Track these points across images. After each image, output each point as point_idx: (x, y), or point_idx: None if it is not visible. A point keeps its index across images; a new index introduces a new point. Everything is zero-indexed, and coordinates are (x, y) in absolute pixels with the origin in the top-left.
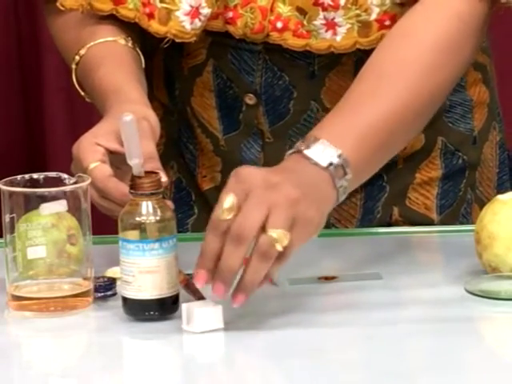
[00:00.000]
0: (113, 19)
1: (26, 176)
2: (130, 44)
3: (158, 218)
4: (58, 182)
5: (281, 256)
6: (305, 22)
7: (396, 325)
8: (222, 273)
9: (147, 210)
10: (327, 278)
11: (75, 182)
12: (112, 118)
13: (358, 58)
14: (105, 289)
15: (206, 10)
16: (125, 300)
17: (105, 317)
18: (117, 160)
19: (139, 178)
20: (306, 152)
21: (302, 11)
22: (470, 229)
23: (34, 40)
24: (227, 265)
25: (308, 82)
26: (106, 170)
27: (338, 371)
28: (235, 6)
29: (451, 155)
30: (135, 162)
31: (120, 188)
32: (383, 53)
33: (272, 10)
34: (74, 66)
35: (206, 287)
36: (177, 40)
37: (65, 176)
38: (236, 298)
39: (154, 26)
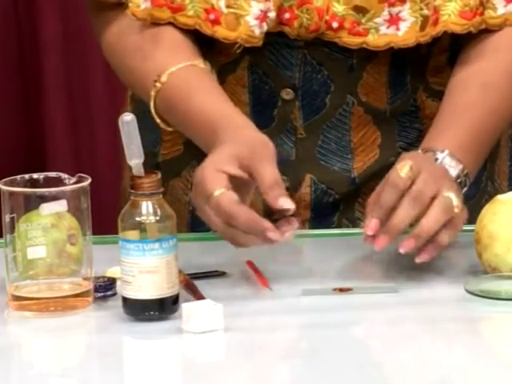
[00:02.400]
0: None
1: (26, 176)
2: (208, 67)
3: (158, 218)
4: (58, 182)
5: (454, 223)
6: (363, 21)
7: (396, 325)
8: (392, 227)
9: (147, 210)
10: (342, 290)
11: (75, 182)
12: (230, 143)
13: (393, 51)
14: (105, 289)
15: (272, 14)
16: (125, 300)
17: (105, 317)
18: (236, 184)
19: (139, 177)
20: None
21: (361, 10)
22: (470, 229)
23: (33, 40)
24: (399, 219)
25: (346, 75)
26: (233, 196)
27: (337, 371)
28: (290, 7)
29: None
30: (135, 162)
31: (249, 214)
32: (486, 62)
33: (327, 10)
34: (153, 94)
35: (207, 288)
36: (246, 45)
37: (65, 176)
38: (408, 244)
39: (222, 32)
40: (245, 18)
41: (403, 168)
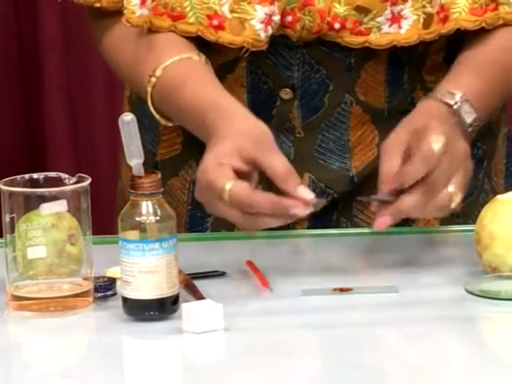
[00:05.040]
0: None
1: (26, 176)
2: (203, 59)
3: (158, 218)
4: (58, 181)
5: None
6: (365, 20)
7: (396, 325)
8: (398, 213)
9: (147, 210)
10: (342, 290)
11: (75, 182)
12: (228, 135)
13: (391, 50)
14: (105, 289)
15: (277, 17)
16: (125, 300)
17: (105, 317)
18: (239, 176)
19: (139, 177)
20: (456, 108)
21: (363, 10)
22: (470, 229)
23: (34, 40)
24: (408, 207)
25: (344, 74)
26: (245, 185)
27: (338, 371)
28: (292, 10)
29: (471, 146)
30: (135, 162)
31: (267, 197)
32: (507, 34)
33: (329, 11)
34: (149, 89)
35: (207, 288)
36: (252, 49)
37: (65, 176)
38: (384, 221)
39: (226, 37)
40: (250, 22)
41: (437, 142)
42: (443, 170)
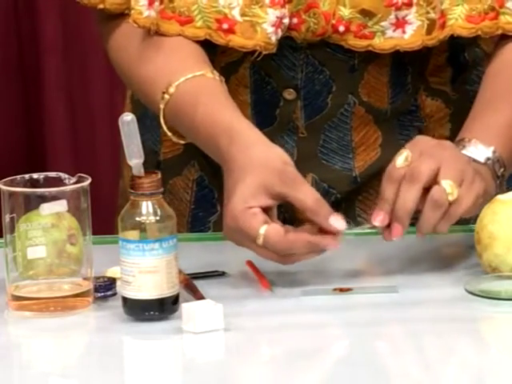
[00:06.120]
0: None
1: (26, 176)
2: (217, 77)
3: (158, 218)
4: (58, 181)
5: (451, 212)
6: (369, 24)
7: (396, 325)
8: (398, 211)
9: (147, 210)
10: (342, 290)
11: (75, 182)
12: (249, 169)
13: (394, 51)
14: (105, 289)
15: (287, 20)
16: (125, 300)
17: (105, 317)
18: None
19: (139, 177)
20: (464, 152)
21: (367, 13)
22: (470, 229)
23: (34, 40)
24: (403, 203)
25: (348, 75)
26: (279, 228)
27: (337, 371)
28: (298, 12)
29: None
30: (135, 162)
31: (303, 238)
32: None
33: (334, 14)
34: (162, 106)
35: (207, 288)
36: (264, 52)
37: (65, 176)
38: (401, 234)
39: (237, 41)
40: (262, 25)
41: (398, 158)
42: (419, 159)
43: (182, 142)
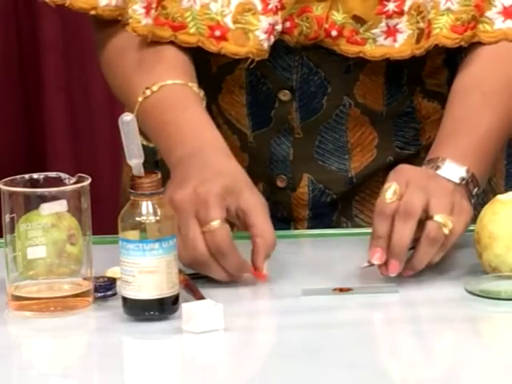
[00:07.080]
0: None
1: (26, 176)
2: (201, 93)
3: (158, 218)
4: (58, 181)
5: (445, 242)
6: (361, 30)
7: (396, 324)
8: (395, 248)
9: (147, 210)
10: (342, 290)
11: (75, 182)
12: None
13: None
14: (105, 289)
15: (279, 27)
16: (125, 300)
17: (105, 317)
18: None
19: (139, 177)
20: (439, 172)
21: (359, 20)
22: (470, 229)
23: (34, 40)
24: (399, 239)
25: (343, 77)
26: (230, 233)
27: (338, 371)
28: (291, 16)
29: None
30: (135, 162)
31: (238, 257)
32: (485, 71)
33: (326, 19)
34: (140, 99)
35: (207, 288)
36: (256, 59)
37: (65, 176)
38: (399, 270)
39: (229, 48)
40: (254, 32)
41: (387, 192)
42: (410, 193)
43: (144, 143)
